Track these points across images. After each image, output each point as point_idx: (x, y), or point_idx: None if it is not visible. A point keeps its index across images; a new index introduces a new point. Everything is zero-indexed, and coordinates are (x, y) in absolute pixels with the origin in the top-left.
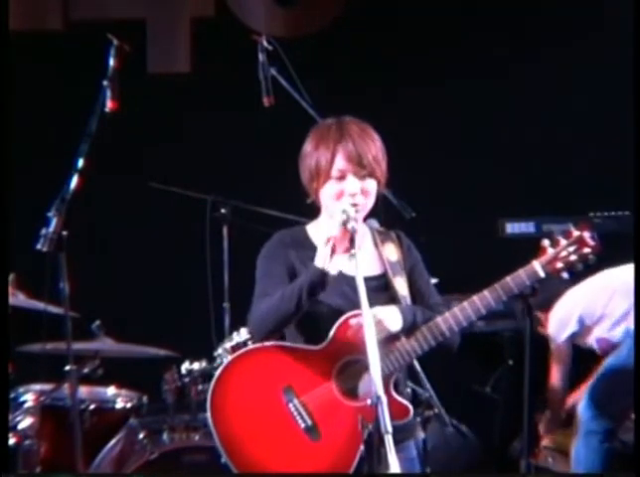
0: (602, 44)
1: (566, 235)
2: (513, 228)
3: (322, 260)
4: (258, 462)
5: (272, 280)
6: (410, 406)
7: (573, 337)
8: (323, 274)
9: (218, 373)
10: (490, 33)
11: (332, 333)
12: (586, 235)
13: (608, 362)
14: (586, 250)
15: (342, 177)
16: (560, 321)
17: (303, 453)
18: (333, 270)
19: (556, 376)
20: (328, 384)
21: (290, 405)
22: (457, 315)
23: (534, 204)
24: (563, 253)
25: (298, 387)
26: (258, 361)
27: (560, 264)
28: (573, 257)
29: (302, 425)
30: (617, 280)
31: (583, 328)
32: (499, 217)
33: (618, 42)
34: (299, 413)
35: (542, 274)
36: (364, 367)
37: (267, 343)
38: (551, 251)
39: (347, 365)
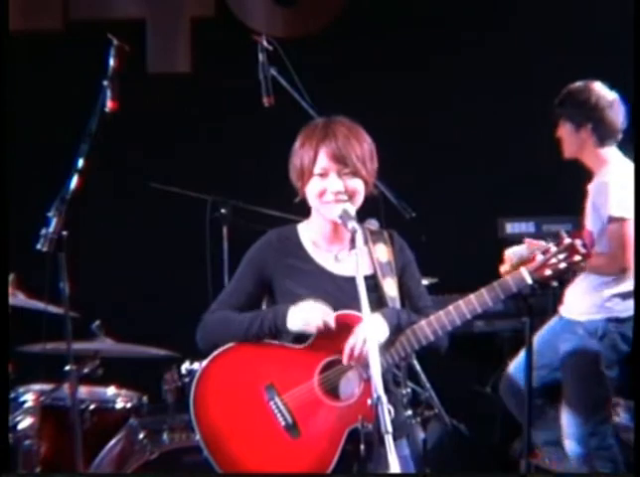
0: (601, 43)
1: (557, 242)
2: (513, 228)
3: (296, 320)
4: (239, 459)
5: (238, 289)
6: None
7: None
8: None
9: (201, 368)
10: (490, 33)
11: (315, 332)
12: (578, 242)
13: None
14: (577, 258)
15: (324, 174)
16: None
17: (283, 451)
18: (294, 327)
19: None
20: (310, 383)
21: (271, 403)
22: (442, 319)
23: (534, 204)
24: (553, 261)
25: (280, 385)
26: (242, 357)
27: (548, 272)
28: (563, 265)
29: (282, 423)
30: None
31: None
32: (499, 217)
33: (618, 41)
34: (280, 411)
35: (529, 281)
36: (346, 367)
37: None
38: (540, 258)
39: (329, 364)
